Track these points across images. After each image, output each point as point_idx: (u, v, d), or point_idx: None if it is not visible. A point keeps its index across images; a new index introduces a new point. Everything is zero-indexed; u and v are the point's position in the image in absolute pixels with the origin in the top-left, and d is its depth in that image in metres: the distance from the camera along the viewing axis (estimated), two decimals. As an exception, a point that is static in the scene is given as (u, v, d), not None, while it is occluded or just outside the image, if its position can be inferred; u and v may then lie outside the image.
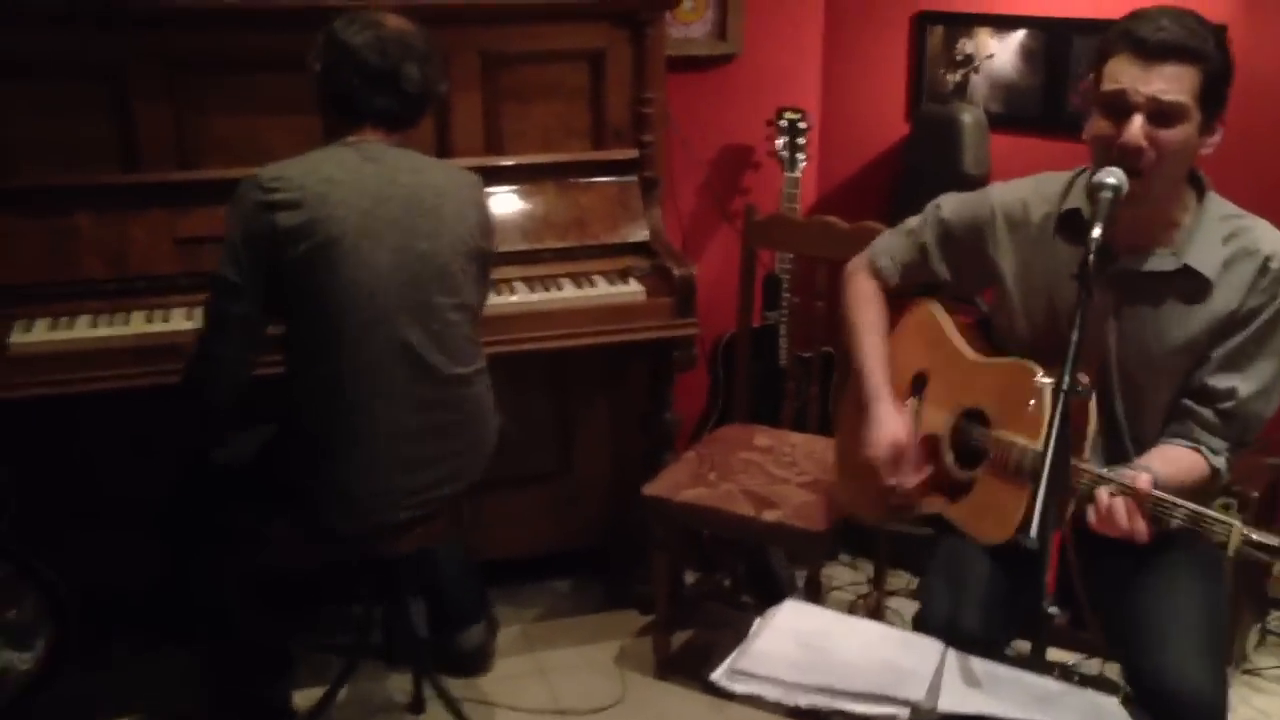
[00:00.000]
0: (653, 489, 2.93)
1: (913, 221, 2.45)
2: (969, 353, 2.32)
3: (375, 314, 2.32)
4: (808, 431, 3.23)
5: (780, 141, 3.57)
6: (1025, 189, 2.29)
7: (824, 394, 3.34)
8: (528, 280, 3.02)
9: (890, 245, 2.47)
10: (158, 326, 2.70)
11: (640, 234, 3.15)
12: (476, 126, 3.07)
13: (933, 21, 3.55)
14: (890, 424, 2.29)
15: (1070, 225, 2.18)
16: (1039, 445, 2.01)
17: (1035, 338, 2.24)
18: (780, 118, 3.60)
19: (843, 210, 3.37)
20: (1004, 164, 3.46)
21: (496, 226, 2.71)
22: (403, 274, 2.33)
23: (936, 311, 2.42)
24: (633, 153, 3.18)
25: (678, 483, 2.94)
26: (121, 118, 2.84)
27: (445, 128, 3.05)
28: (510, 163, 3.08)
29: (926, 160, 3.48)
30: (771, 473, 2.99)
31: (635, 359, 3.21)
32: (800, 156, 3.57)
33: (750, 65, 3.69)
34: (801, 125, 3.59)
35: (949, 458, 2.30)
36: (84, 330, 2.68)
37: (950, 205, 2.38)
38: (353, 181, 2.31)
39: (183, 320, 2.72)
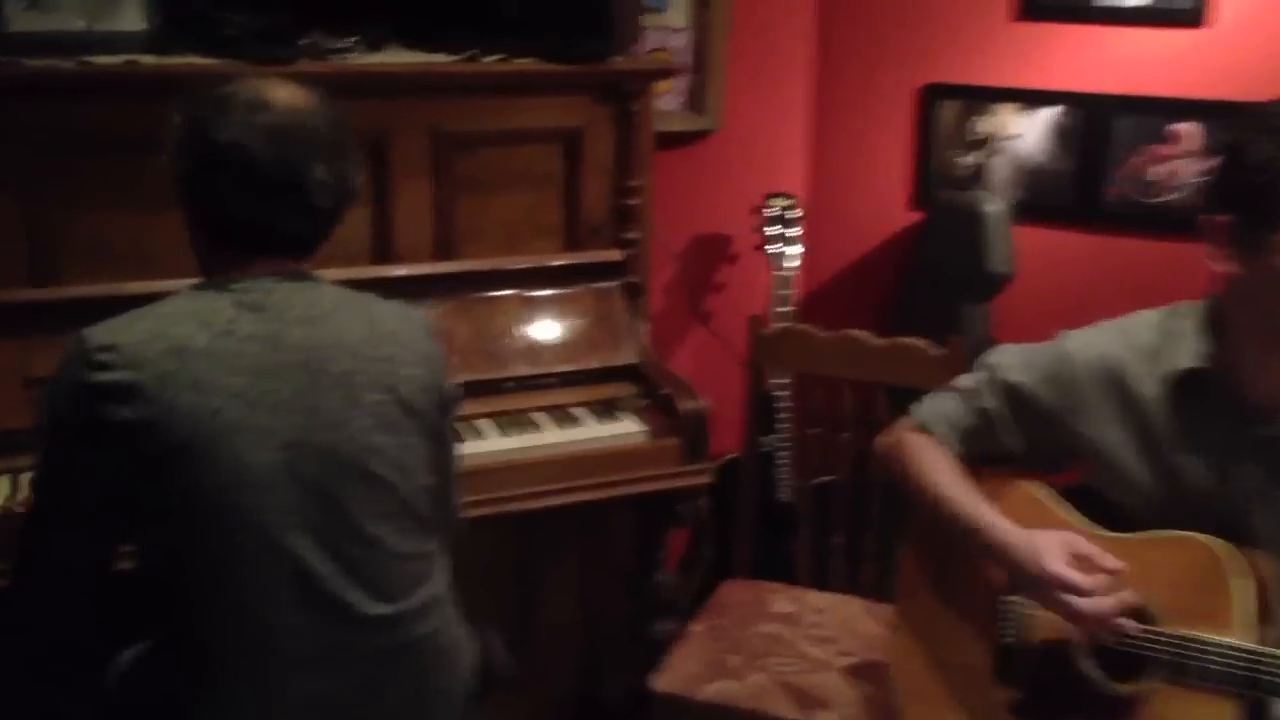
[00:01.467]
0: (665, 683, 2.31)
1: (965, 382, 1.94)
2: (1103, 533, 1.79)
3: (255, 541, 1.56)
4: (829, 586, 2.66)
5: (770, 232, 3.03)
6: (1112, 342, 1.79)
7: (827, 533, 2.77)
8: (495, 418, 2.38)
9: (944, 410, 1.94)
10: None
11: (628, 355, 2.55)
12: (424, 224, 2.43)
13: (943, 96, 3.06)
14: (1042, 536, 1.78)
15: (1194, 388, 1.71)
16: (1238, 638, 1.63)
17: (1153, 515, 1.76)
18: (768, 204, 3.05)
19: (835, 314, 2.85)
20: (1033, 261, 2.97)
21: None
22: (297, 482, 1.57)
23: (1038, 491, 1.89)
24: (615, 254, 2.59)
25: (693, 673, 2.32)
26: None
27: (385, 226, 2.41)
28: (465, 268, 2.46)
29: (943, 256, 2.97)
30: (806, 653, 2.40)
31: (616, 505, 2.60)
32: (793, 250, 3.03)
33: (730, 143, 3.14)
34: (794, 214, 3.05)
35: (1090, 668, 1.75)
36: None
37: (1016, 367, 1.87)
38: (217, 351, 1.55)
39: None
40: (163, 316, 1.59)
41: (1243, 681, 1.63)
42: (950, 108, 3.06)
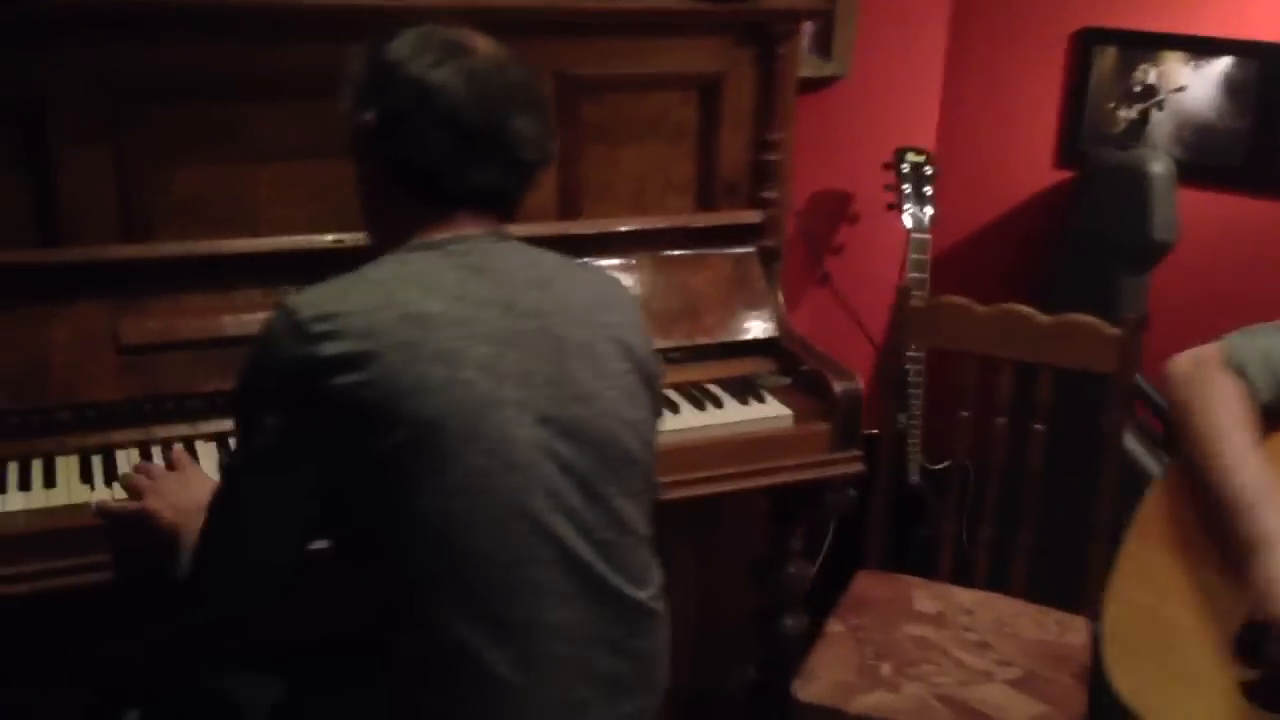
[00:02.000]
0: (812, 692, 2.08)
1: None
2: None
3: (519, 528, 1.37)
4: (969, 581, 2.42)
5: (904, 190, 2.77)
6: None
7: (971, 523, 2.54)
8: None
9: (1265, 348, 1.76)
10: (97, 492, 1.76)
11: (766, 327, 2.30)
12: (548, 176, 2.19)
13: (1102, 41, 2.77)
14: None
15: None
16: None
17: None
18: (901, 160, 2.79)
19: (967, 283, 2.59)
20: (1196, 230, 2.70)
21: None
22: (554, 460, 1.39)
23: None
24: (754, 215, 2.33)
25: (842, 682, 2.10)
26: (34, 168, 1.89)
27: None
28: (595, 229, 2.21)
29: (1101, 221, 2.70)
30: (962, 660, 2.17)
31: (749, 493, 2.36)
32: (928, 211, 2.77)
33: (858, 91, 2.87)
34: (928, 171, 2.78)
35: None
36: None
37: None
38: (456, 317, 1.37)
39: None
40: (379, 282, 1.39)
41: None
42: (1108, 55, 2.77)
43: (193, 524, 1.56)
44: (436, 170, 1.44)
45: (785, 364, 2.28)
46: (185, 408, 1.92)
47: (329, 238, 2.03)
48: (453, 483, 1.33)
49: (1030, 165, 2.92)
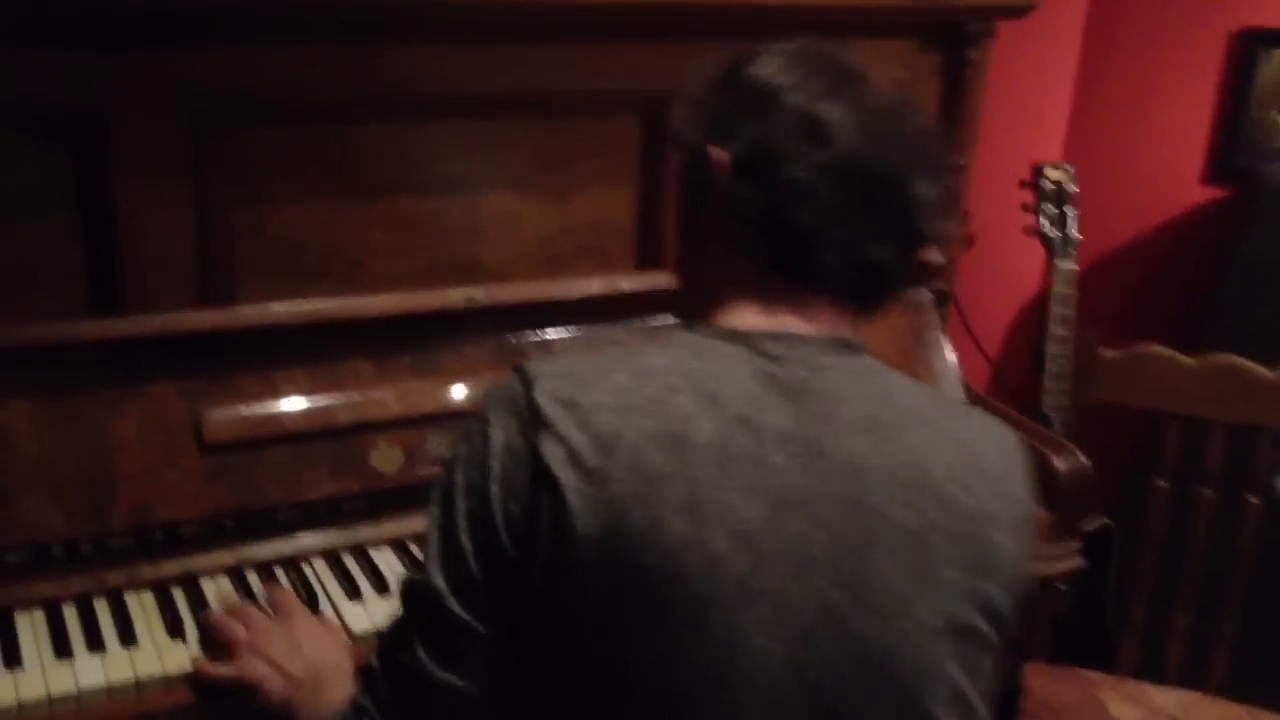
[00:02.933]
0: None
1: None
2: None
3: None
4: (1161, 676, 2.08)
5: (1046, 212, 2.41)
6: None
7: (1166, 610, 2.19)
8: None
9: None
10: (177, 658, 1.31)
11: (950, 388, 1.94)
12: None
13: (1268, 43, 2.44)
14: None
15: None
16: None
17: None
18: (1040, 177, 2.43)
19: (1109, 318, 2.27)
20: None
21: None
22: (805, 695, 0.93)
23: None
24: (938, 255, 1.96)
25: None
26: (90, 206, 1.44)
27: (652, 214, 1.75)
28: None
29: (1276, 250, 2.38)
30: (1195, 785, 1.84)
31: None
32: (1073, 236, 2.42)
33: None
34: (1070, 189, 2.43)
35: None
36: (31, 673, 1.27)
37: None
38: (728, 449, 0.95)
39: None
40: (648, 373, 0.97)
41: None
42: (1276, 58, 2.45)
43: (312, 698, 1.16)
44: (814, 232, 1.02)
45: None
46: (284, 520, 1.49)
47: (459, 294, 1.61)
48: (644, 677, 0.92)
49: (1174, 181, 2.58)
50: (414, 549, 1.52)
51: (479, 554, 0.97)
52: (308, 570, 1.46)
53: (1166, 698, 2.03)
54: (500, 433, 0.97)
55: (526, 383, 0.97)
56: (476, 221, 1.64)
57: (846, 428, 0.99)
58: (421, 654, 0.99)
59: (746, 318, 1.04)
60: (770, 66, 1.06)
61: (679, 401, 0.96)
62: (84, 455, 1.40)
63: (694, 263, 1.13)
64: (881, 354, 1.86)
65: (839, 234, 1.02)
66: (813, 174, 1.01)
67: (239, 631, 1.26)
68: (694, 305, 1.09)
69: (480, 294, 1.61)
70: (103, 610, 1.36)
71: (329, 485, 1.50)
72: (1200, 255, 2.56)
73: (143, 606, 1.37)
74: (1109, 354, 2.04)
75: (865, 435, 0.99)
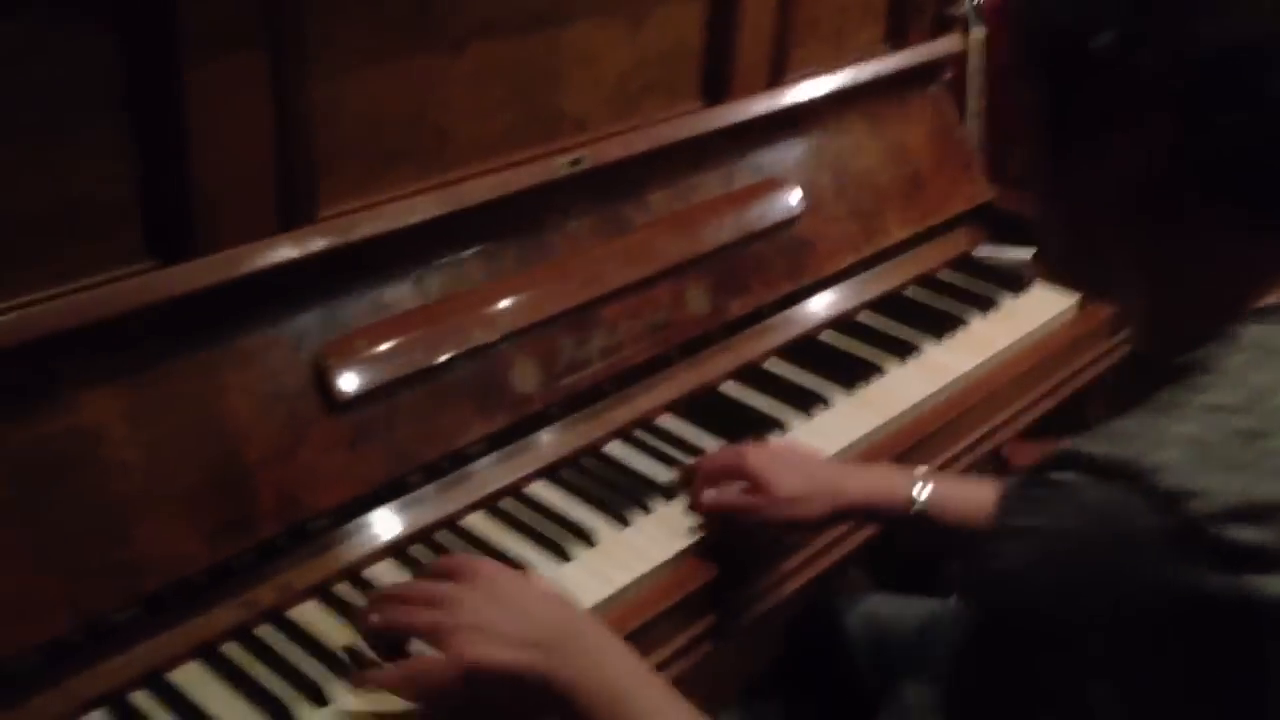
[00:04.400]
0: None
1: None
2: None
3: None
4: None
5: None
6: None
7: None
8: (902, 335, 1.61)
9: None
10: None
11: (980, 190, 1.82)
12: (763, 21, 1.52)
13: None
14: None
15: None
16: None
17: None
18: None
19: None
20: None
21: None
22: None
23: None
24: (953, 43, 1.80)
25: None
26: (145, 107, 1.01)
27: (723, 35, 1.47)
28: (810, 94, 1.58)
29: None
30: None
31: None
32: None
33: None
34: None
35: None
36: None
37: None
38: None
39: None
40: (1270, 415, 0.73)
41: None
42: None
43: (579, 659, 0.93)
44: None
45: (1000, 230, 1.82)
46: (440, 471, 1.19)
47: (561, 161, 1.30)
48: None
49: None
50: (574, 480, 1.26)
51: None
52: (478, 531, 1.19)
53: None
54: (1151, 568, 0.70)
55: (1168, 498, 0.69)
56: (556, 63, 1.31)
57: None
58: None
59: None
60: None
61: None
62: (201, 452, 1.04)
63: (1161, 246, 0.83)
64: (925, 154, 1.73)
65: None
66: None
67: (422, 619, 0.96)
68: (1130, 286, 0.86)
69: (585, 155, 1.31)
70: (277, 643, 1.04)
71: (479, 425, 1.21)
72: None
73: (323, 626, 1.07)
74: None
75: None
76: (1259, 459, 0.71)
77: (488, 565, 1.02)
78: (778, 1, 1.52)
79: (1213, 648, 0.70)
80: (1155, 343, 0.86)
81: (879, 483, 1.20)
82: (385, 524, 1.15)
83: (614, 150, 1.35)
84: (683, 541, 1.19)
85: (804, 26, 1.59)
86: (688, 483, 1.24)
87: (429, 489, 1.19)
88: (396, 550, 1.15)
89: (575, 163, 1.30)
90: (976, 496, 1.17)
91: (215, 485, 1.04)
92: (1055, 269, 0.91)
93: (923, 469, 1.21)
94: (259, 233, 1.09)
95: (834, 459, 1.32)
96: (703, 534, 1.20)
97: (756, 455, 1.20)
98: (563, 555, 1.16)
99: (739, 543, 1.21)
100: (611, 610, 1.11)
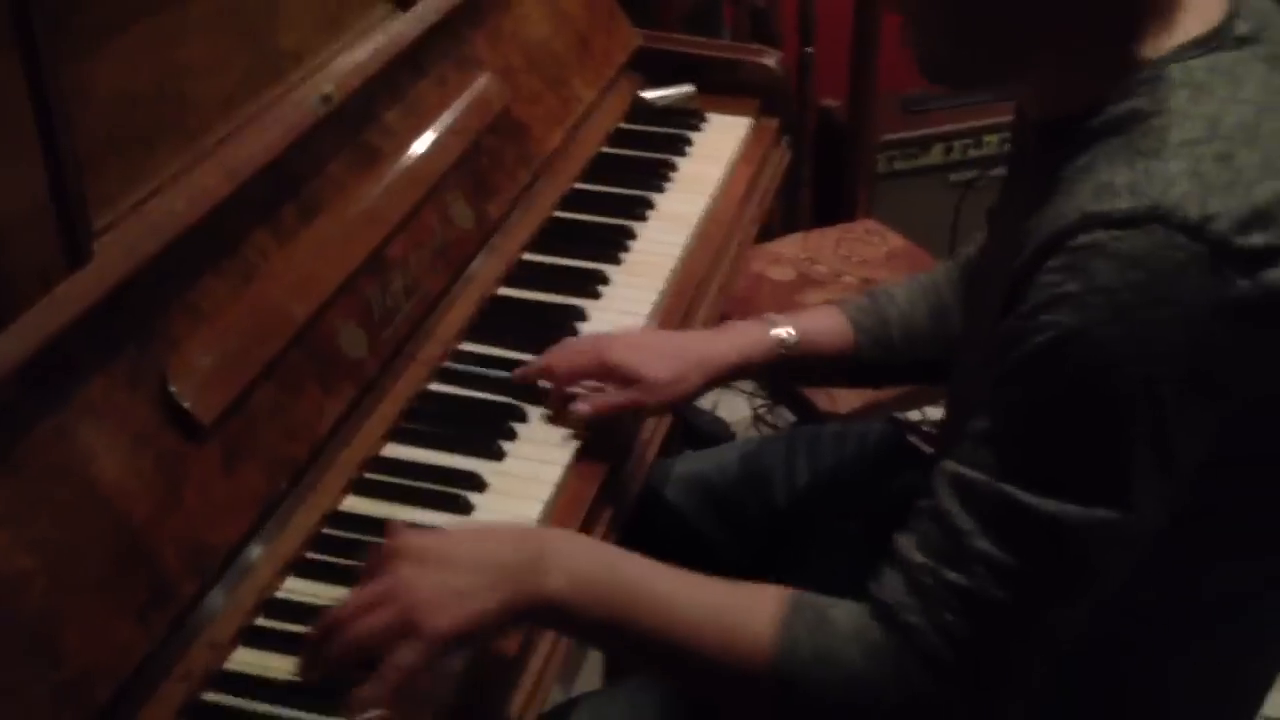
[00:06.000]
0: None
1: None
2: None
3: None
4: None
5: None
6: None
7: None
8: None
9: None
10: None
11: (631, 36, 1.83)
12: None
13: None
14: None
15: None
16: None
17: None
18: None
19: None
20: None
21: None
22: None
23: None
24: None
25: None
26: None
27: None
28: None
29: None
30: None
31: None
32: None
33: None
34: None
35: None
36: None
37: None
38: None
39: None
40: (1235, 135, 0.85)
41: None
42: None
43: (543, 574, 0.95)
44: None
45: (652, 72, 1.85)
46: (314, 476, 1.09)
47: (312, 102, 1.18)
48: None
49: None
50: (426, 431, 1.20)
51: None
52: (363, 513, 1.11)
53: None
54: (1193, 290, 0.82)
55: (1188, 224, 0.81)
56: (267, -3, 1.18)
57: None
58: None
59: (1164, 23, 0.90)
60: None
61: None
62: (92, 529, 0.89)
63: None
64: (578, 16, 1.74)
65: None
66: None
67: (372, 621, 0.92)
68: (1035, 60, 0.93)
69: (329, 87, 1.20)
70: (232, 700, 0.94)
71: (331, 405, 1.11)
72: None
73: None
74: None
75: None
76: (1238, 175, 0.83)
77: (400, 539, 0.98)
78: None
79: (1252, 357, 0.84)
80: (1051, 109, 0.95)
81: (742, 338, 1.25)
82: (272, 543, 1.05)
83: (353, 79, 1.24)
84: (566, 452, 1.18)
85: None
86: (535, 391, 1.23)
87: (294, 491, 1.09)
88: (298, 564, 1.06)
89: (326, 99, 1.19)
90: (829, 322, 1.27)
91: (120, 560, 0.90)
92: (942, 72, 0.97)
93: (769, 315, 1.27)
94: (48, 270, 0.92)
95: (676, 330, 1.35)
96: (578, 438, 1.20)
97: (616, 349, 1.20)
98: (463, 508, 1.12)
99: (617, 433, 1.22)
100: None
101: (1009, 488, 0.86)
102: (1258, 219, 0.82)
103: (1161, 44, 0.89)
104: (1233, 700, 1.08)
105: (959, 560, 0.87)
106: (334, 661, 0.94)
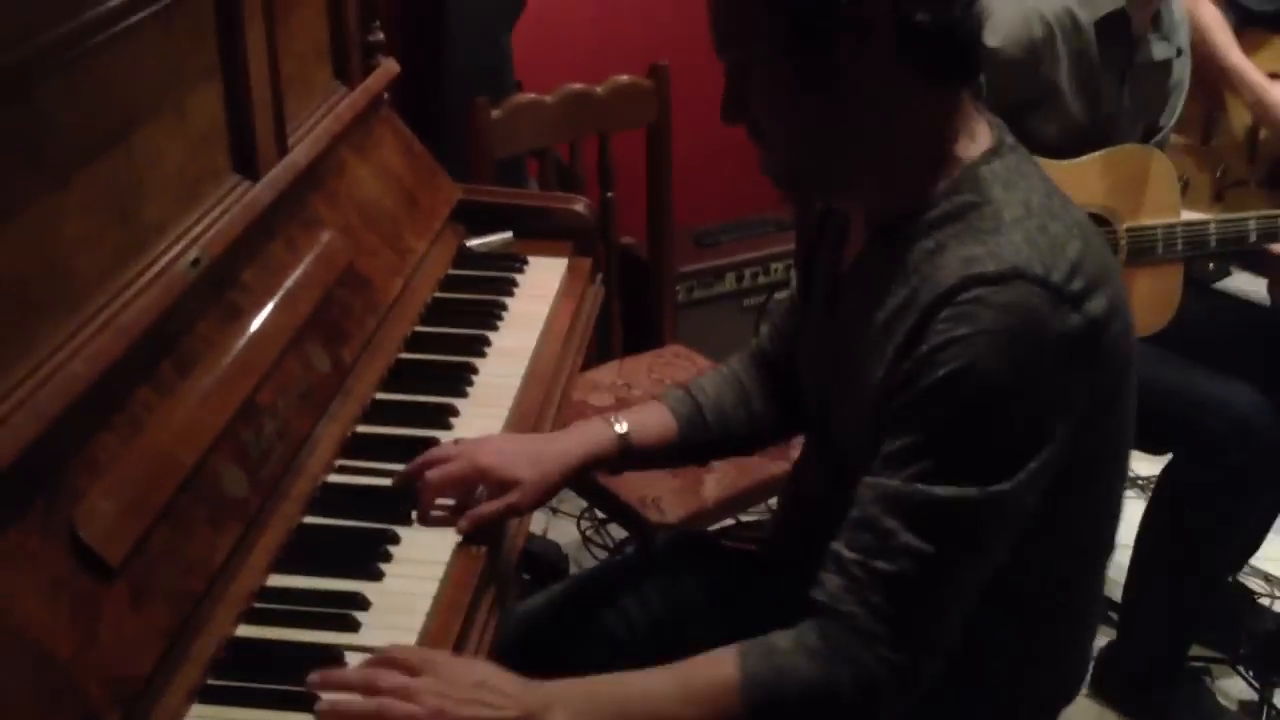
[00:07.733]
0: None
1: None
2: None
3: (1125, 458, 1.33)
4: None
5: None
6: None
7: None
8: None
9: None
10: None
11: (452, 190, 1.99)
12: (265, 96, 1.55)
13: None
14: None
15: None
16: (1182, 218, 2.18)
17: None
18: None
19: None
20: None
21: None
22: None
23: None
24: (393, 69, 1.93)
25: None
26: None
27: (243, 112, 1.50)
28: (318, 148, 1.65)
29: None
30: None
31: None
32: None
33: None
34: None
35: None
36: None
37: None
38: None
39: None
40: (1054, 214, 1.16)
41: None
42: None
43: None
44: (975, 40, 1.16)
45: (470, 221, 2.01)
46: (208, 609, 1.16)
47: (188, 259, 1.29)
48: (1126, 414, 1.25)
49: None
50: (306, 560, 1.29)
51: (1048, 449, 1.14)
52: (259, 637, 1.19)
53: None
54: (1052, 326, 1.10)
55: (1037, 278, 1.09)
56: (136, 171, 1.29)
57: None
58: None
59: (965, 134, 1.18)
60: None
61: (1077, 215, 1.19)
62: (22, 672, 0.95)
63: (854, 132, 1.16)
64: (404, 175, 1.90)
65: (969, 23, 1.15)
66: None
67: (401, 710, 1.06)
68: (884, 166, 1.18)
69: (197, 251, 1.31)
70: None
71: (222, 542, 1.20)
72: None
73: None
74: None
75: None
76: (1054, 240, 1.13)
77: (435, 654, 1.15)
78: (269, 67, 1.57)
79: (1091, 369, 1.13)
80: (890, 208, 1.20)
81: (587, 437, 1.42)
82: (178, 672, 1.12)
83: (217, 244, 1.36)
84: (443, 557, 1.30)
85: (286, 84, 1.66)
86: (408, 498, 1.35)
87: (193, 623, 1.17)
88: (202, 691, 1.13)
89: (195, 264, 1.30)
90: (655, 412, 1.48)
91: (51, 701, 0.97)
92: (796, 191, 1.24)
93: (608, 415, 1.45)
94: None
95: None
96: (455, 539, 1.31)
97: (485, 454, 1.34)
98: (351, 626, 1.21)
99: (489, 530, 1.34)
100: (427, 643, 1.20)
101: (923, 486, 1.10)
102: (1075, 270, 1.11)
103: (969, 152, 1.17)
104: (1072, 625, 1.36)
105: (886, 553, 1.11)
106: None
